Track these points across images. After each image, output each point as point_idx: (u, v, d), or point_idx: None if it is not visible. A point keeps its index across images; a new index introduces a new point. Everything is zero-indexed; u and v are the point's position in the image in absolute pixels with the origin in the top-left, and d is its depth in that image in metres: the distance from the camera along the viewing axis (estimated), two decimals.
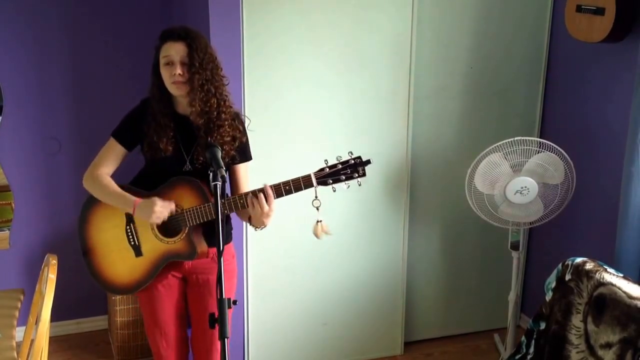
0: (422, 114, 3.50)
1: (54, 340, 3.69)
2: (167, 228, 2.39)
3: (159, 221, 2.34)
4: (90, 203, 2.48)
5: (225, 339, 1.85)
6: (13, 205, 3.60)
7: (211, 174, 2.08)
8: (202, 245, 2.43)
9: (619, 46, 3.15)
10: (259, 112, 3.11)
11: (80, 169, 3.70)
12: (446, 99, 3.54)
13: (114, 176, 2.47)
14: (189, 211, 2.34)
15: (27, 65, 3.49)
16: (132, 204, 2.35)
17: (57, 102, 3.58)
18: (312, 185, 2.27)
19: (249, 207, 2.31)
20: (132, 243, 2.44)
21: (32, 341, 2.47)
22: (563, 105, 3.59)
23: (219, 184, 2.05)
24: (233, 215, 2.53)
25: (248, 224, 2.47)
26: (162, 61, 2.33)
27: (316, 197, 2.26)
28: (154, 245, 2.41)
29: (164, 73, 2.33)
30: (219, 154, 2.21)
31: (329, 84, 3.25)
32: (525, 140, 3.11)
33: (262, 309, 3.37)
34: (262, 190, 2.30)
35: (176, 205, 2.36)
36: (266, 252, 3.31)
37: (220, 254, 1.92)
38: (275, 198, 2.30)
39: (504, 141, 3.11)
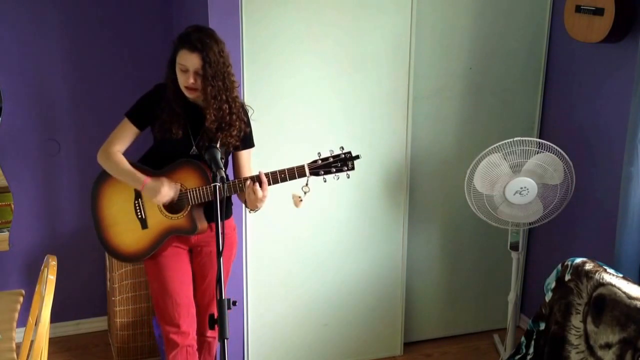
0: (421, 114, 3.49)
1: (53, 342, 3.68)
2: (172, 205, 2.59)
3: (164, 201, 2.53)
4: (102, 178, 2.67)
5: (225, 340, 1.90)
6: (12, 206, 3.60)
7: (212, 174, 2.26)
8: (202, 222, 2.63)
9: (618, 46, 3.15)
10: (259, 112, 3.09)
11: (80, 170, 3.68)
12: (446, 99, 3.54)
13: (125, 154, 2.63)
14: (192, 191, 2.55)
15: (27, 66, 3.49)
16: (141, 183, 2.54)
17: (57, 103, 3.58)
18: (305, 175, 2.51)
19: (245, 191, 2.51)
20: (139, 216, 2.63)
21: (32, 342, 2.46)
22: (562, 106, 3.59)
23: (219, 185, 2.21)
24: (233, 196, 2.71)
25: (244, 206, 2.69)
26: (177, 66, 2.47)
27: (307, 184, 2.50)
28: (159, 220, 2.61)
29: (179, 77, 2.48)
30: (218, 155, 2.38)
31: (328, 83, 3.25)
32: (525, 140, 3.12)
33: (262, 309, 3.37)
34: (258, 177, 2.50)
35: (180, 185, 2.55)
36: (266, 252, 3.31)
37: (219, 254, 2.02)
38: (271, 184, 2.53)
39: (504, 142, 3.11)
